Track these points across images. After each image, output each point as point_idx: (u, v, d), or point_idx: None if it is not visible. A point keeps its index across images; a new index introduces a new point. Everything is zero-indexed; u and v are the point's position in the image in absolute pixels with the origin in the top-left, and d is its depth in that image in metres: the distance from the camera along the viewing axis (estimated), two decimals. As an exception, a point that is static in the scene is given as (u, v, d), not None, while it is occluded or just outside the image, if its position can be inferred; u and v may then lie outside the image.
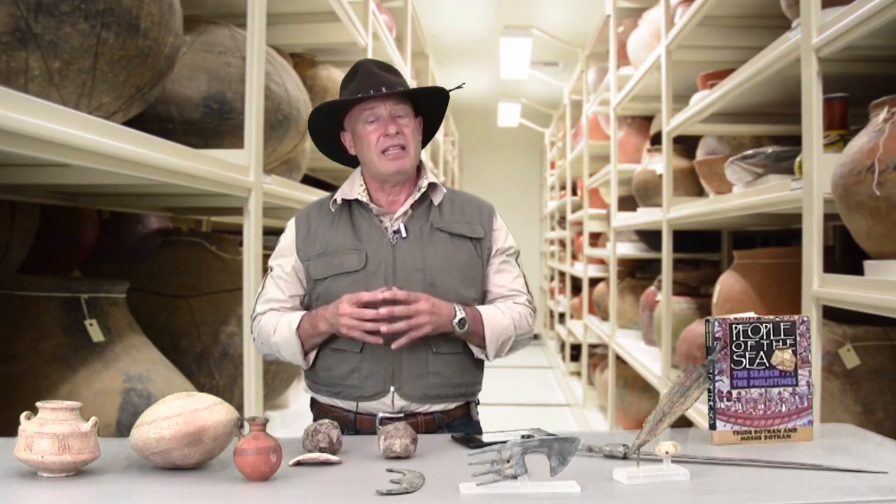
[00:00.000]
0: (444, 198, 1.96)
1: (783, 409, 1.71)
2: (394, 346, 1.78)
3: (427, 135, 2.05)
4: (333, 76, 3.87)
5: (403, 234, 1.90)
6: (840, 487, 1.39)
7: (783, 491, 1.38)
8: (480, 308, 1.90)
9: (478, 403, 2.01)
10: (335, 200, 1.95)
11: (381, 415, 1.87)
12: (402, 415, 1.86)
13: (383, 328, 1.76)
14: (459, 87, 2.08)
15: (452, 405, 1.92)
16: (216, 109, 2.58)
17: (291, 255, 1.95)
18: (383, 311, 1.76)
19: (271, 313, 1.93)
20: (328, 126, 1.98)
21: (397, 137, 1.87)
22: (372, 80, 1.87)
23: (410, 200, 1.92)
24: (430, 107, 2.01)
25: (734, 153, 3.26)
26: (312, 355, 1.92)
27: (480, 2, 7.60)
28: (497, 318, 1.89)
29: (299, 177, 3.58)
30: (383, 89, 1.85)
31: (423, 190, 1.93)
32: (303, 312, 1.91)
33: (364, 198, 1.93)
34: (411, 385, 1.86)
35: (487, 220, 1.98)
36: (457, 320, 1.82)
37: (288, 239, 1.97)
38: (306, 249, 1.93)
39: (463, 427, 1.92)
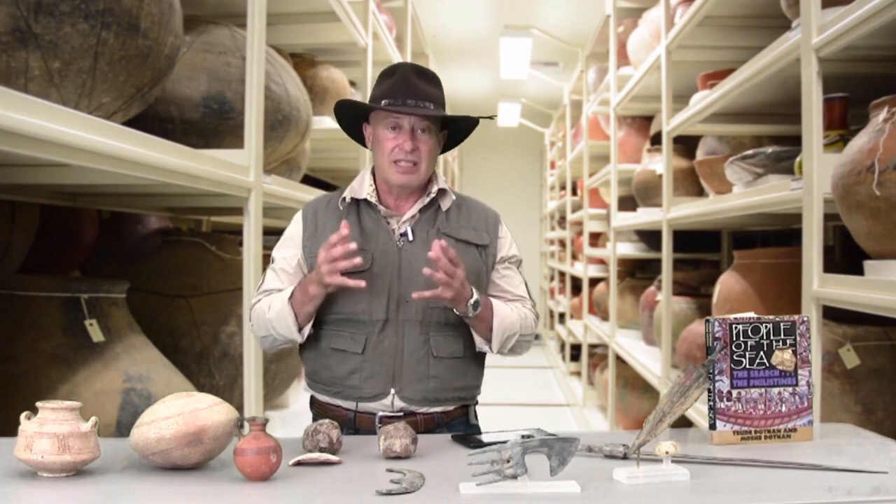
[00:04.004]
0: (452, 204, 1.97)
1: (783, 409, 1.71)
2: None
3: (449, 144, 2.05)
4: (333, 76, 3.88)
5: (410, 238, 1.90)
6: (840, 487, 1.39)
7: (783, 491, 1.38)
8: (491, 299, 1.90)
9: (476, 404, 2.02)
10: (344, 198, 1.95)
11: (380, 413, 1.87)
12: (401, 414, 1.87)
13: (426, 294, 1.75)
14: (492, 117, 2.08)
15: (451, 407, 1.92)
16: (216, 109, 2.58)
17: (297, 248, 1.95)
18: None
19: (265, 296, 1.92)
20: (354, 112, 2.00)
21: (412, 154, 1.87)
22: (405, 88, 1.87)
23: (419, 205, 1.93)
24: (457, 123, 2.01)
25: (734, 153, 3.26)
26: (307, 330, 1.88)
27: (480, 2, 7.60)
28: (505, 311, 1.89)
29: (299, 177, 3.59)
30: (410, 101, 1.85)
31: (432, 195, 1.94)
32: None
33: (373, 199, 1.93)
34: (411, 387, 1.86)
35: (493, 228, 1.99)
36: (472, 301, 1.81)
37: (294, 232, 1.97)
38: (312, 246, 1.92)
39: (461, 427, 1.93)
